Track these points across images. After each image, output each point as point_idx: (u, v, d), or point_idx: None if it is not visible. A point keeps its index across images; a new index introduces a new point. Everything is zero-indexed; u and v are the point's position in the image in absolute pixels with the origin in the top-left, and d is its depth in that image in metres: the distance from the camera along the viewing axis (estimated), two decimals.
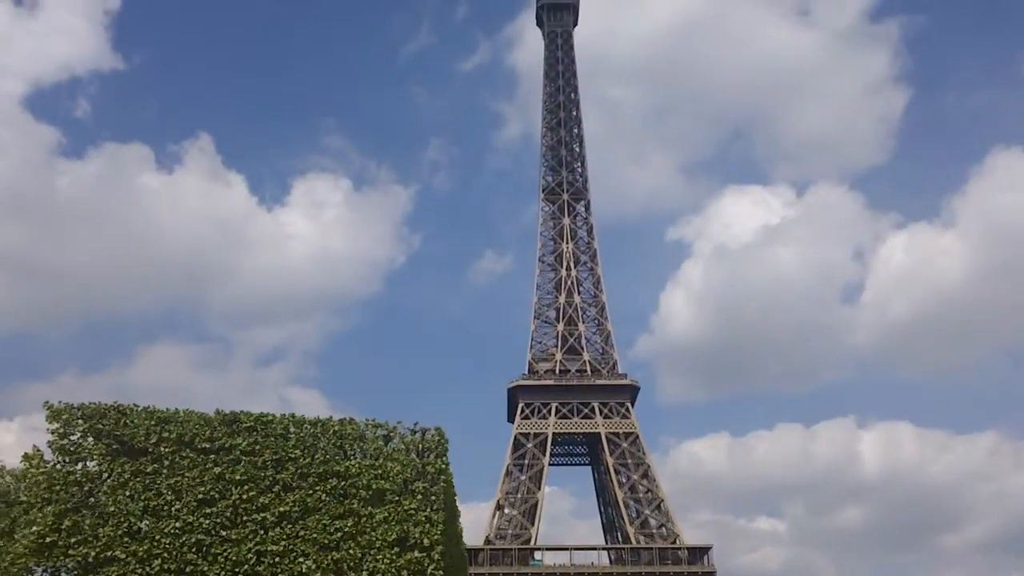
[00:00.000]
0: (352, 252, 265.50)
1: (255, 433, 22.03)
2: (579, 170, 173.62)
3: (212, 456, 21.49)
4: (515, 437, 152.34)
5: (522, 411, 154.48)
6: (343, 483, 21.96)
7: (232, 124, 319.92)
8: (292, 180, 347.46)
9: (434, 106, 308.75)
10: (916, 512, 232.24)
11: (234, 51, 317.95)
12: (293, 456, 21.96)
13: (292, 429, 22.43)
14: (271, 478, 21.68)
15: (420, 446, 23.34)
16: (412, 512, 21.96)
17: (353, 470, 22.06)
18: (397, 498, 22.07)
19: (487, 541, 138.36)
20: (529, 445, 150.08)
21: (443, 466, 23.22)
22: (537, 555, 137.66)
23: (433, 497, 22.50)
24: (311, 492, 21.75)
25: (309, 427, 22.66)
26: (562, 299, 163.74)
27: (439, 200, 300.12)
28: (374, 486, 22.00)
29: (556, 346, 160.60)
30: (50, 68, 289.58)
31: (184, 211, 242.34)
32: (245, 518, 21.19)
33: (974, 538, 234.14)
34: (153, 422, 21.51)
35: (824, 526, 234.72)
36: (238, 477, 21.34)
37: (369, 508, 21.78)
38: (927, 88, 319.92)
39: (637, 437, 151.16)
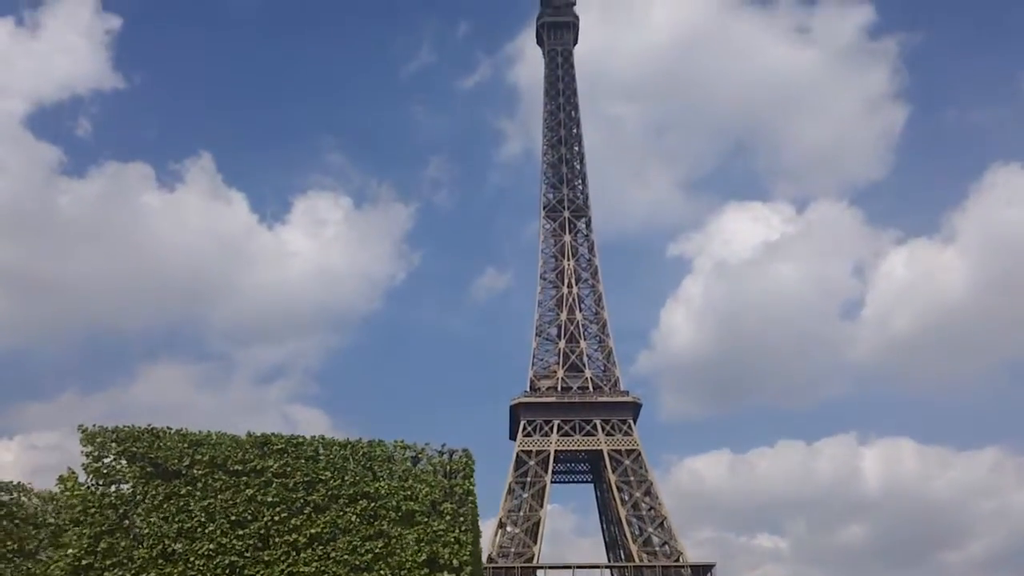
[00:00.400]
0: (352, 269, 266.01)
1: (286, 455, 22.20)
2: (580, 187, 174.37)
3: (244, 478, 21.65)
4: (517, 454, 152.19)
5: (524, 428, 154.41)
6: (373, 504, 22.11)
7: (233, 142, 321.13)
8: (293, 198, 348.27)
9: (435, 124, 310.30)
10: (918, 529, 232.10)
11: (234, 69, 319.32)
12: (324, 478, 22.12)
13: (322, 451, 22.61)
14: (302, 500, 21.84)
15: (448, 467, 23.52)
16: (441, 533, 22.12)
17: (383, 491, 22.21)
18: (426, 519, 22.22)
19: (489, 559, 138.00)
20: (531, 463, 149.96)
21: (470, 487, 23.40)
22: (540, 573, 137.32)
23: (461, 518, 22.69)
24: (342, 513, 21.90)
25: (338, 448, 22.83)
26: (563, 316, 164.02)
27: (440, 217, 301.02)
28: (403, 507, 22.15)
29: (558, 363, 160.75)
30: (52, 87, 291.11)
31: (185, 229, 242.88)
32: (277, 539, 21.34)
33: (976, 555, 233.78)
34: (186, 445, 21.68)
35: (826, 543, 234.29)
36: (270, 499, 21.49)
37: (399, 529, 21.93)
38: (926, 104, 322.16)
39: (639, 454, 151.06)
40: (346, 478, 22.25)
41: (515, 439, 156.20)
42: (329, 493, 22.07)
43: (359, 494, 22.35)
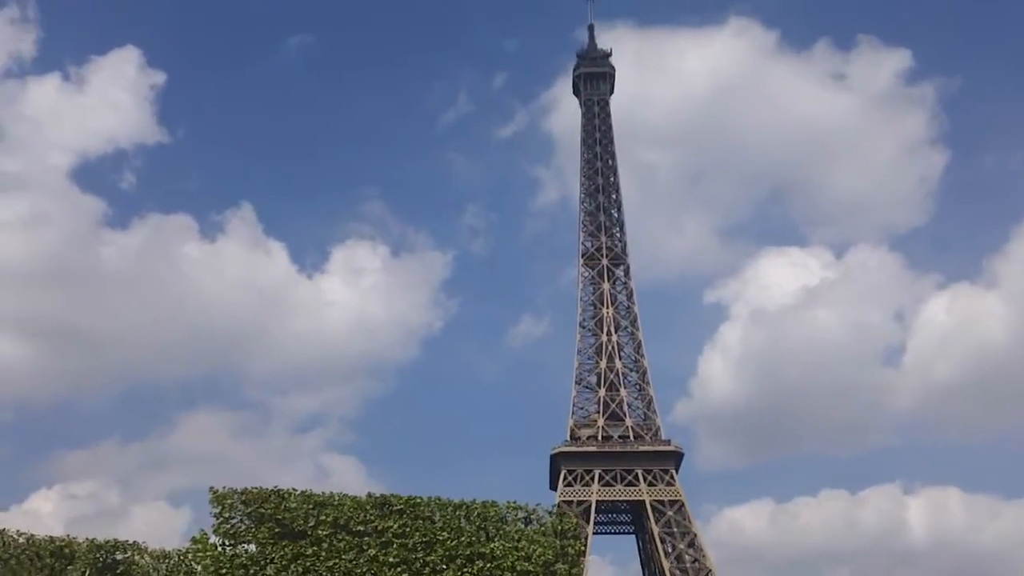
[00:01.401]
0: (390, 318, 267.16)
1: (404, 515, 22.67)
2: (618, 235, 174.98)
3: (366, 539, 22.13)
4: (558, 505, 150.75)
5: (564, 478, 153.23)
6: (489, 565, 22.48)
7: (274, 193, 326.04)
8: (332, 247, 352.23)
9: (472, 172, 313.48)
10: None
11: (275, 120, 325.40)
12: (441, 538, 22.55)
13: (438, 512, 23.06)
14: (421, 560, 22.24)
15: (558, 528, 23.87)
16: None
17: (498, 552, 22.59)
18: None
19: None
20: (572, 513, 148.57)
21: (582, 548, 23.70)
22: None
23: None
24: (459, 574, 22.27)
25: (453, 509, 23.28)
26: (603, 364, 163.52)
27: (476, 265, 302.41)
28: (518, 567, 22.50)
29: (598, 412, 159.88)
30: (97, 141, 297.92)
31: (226, 279, 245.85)
32: None
33: None
34: (311, 506, 22.22)
35: None
36: (391, 559, 21.93)
37: None
38: (965, 149, 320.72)
39: (683, 505, 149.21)
40: (462, 539, 22.62)
41: (555, 489, 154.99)
42: (447, 554, 22.42)
43: (475, 555, 22.68)
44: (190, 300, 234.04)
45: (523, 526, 23.42)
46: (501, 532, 23.35)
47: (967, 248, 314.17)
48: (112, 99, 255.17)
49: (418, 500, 23.13)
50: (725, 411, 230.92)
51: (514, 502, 23.84)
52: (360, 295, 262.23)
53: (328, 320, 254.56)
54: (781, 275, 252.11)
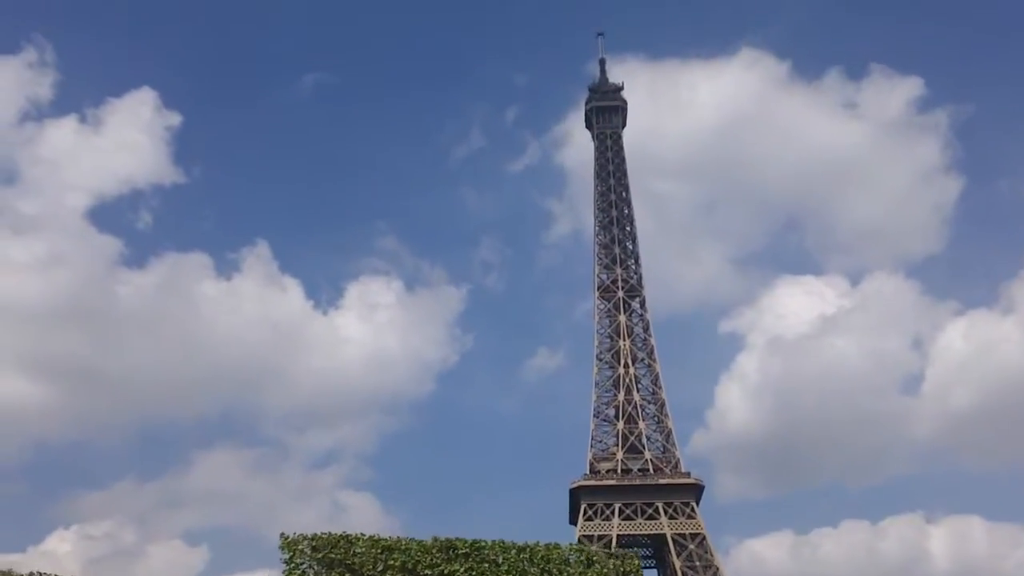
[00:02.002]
0: (405, 353, 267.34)
1: (470, 559, 22.81)
2: (633, 267, 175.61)
3: None
4: (578, 540, 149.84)
5: (585, 512, 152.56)
6: None
7: (288, 230, 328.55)
8: (346, 283, 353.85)
9: (485, 206, 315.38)
10: None
11: (289, 159, 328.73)
12: None
13: (502, 556, 23.20)
14: None
15: (620, 570, 24.00)
16: None
17: None
18: None
19: None
20: (593, 548, 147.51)
21: None
22: None
23: None
24: None
25: (517, 552, 23.42)
26: (621, 397, 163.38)
27: (491, 299, 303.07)
28: None
29: (617, 445, 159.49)
30: (113, 182, 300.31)
31: (242, 317, 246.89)
32: None
33: None
34: (379, 550, 22.40)
35: None
36: None
37: None
38: (979, 176, 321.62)
39: (704, 538, 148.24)
40: None
41: (575, 523, 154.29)
42: None
43: None
44: (206, 338, 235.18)
45: (585, 568, 23.52)
46: (565, 574, 23.45)
47: (983, 274, 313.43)
48: (128, 140, 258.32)
49: (483, 544, 23.28)
50: (743, 441, 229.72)
51: (575, 544, 23.96)
52: (375, 330, 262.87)
53: (343, 356, 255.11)
54: (797, 304, 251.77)
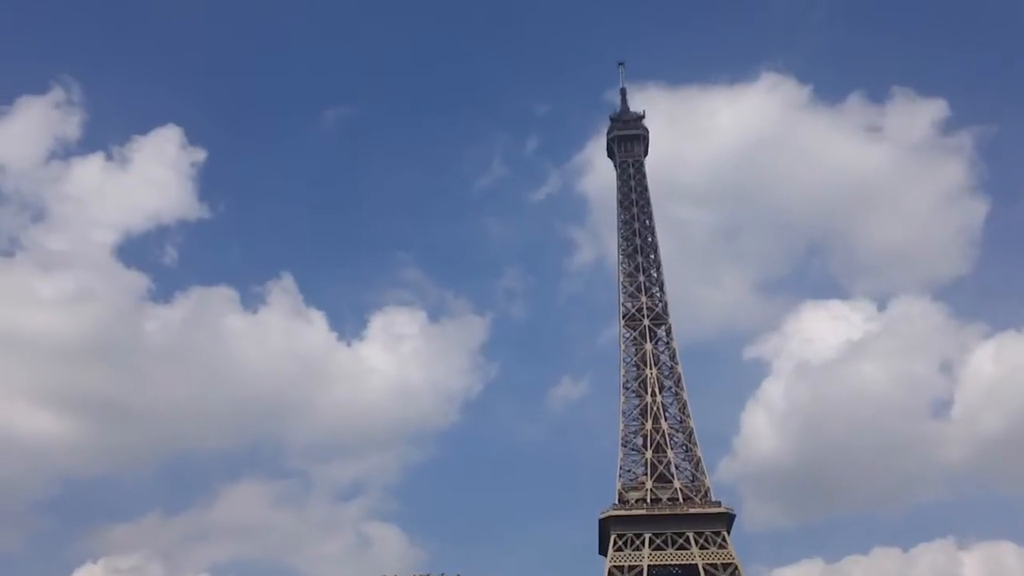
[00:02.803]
0: (429, 383, 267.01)
1: None
2: (658, 295, 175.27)
3: None
4: (609, 571, 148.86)
5: (615, 543, 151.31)
6: None
7: (313, 263, 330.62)
8: (370, 314, 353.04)
9: (507, 235, 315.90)
10: None
11: (313, 192, 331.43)
12: None
13: None
14: None
15: None
16: None
17: None
18: None
19: None
20: None
21: None
22: None
23: None
24: None
25: None
26: (648, 425, 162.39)
27: (515, 328, 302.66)
28: None
29: (646, 474, 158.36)
30: (139, 218, 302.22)
31: (267, 350, 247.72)
32: None
33: None
34: None
35: None
36: None
37: None
38: (1006, 196, 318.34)
39: (736, 568, 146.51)
40: None
41: (605, 554, 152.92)
42: None
43: None
44: (232, 371, 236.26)
45: None
46: None
47: (1012, 296, 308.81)
48: (154, 177, 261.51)
49: None
50: (771, 468, 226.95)
51: None
52: (399, 361, 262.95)
53: (368, 387, 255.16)
54: (823, 328, 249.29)
